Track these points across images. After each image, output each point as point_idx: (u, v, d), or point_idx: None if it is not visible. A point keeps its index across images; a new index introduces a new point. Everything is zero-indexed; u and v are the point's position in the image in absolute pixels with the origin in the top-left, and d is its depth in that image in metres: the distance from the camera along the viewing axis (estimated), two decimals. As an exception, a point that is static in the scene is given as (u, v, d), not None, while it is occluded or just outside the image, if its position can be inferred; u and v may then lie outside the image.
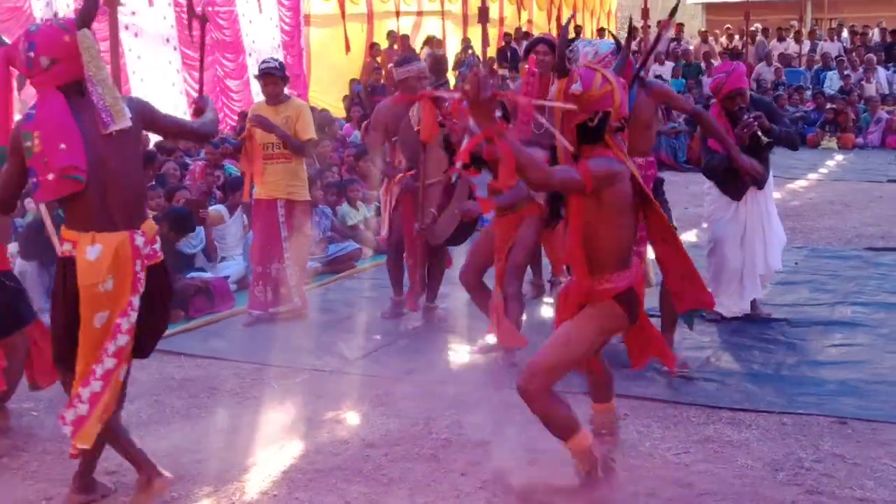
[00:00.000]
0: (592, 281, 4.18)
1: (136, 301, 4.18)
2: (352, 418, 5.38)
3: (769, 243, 6.88)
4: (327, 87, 16.88)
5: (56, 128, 4.00)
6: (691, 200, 11.26)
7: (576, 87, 4.06)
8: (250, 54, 14.99)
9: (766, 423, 5.14)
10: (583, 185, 4.02)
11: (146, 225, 4.25)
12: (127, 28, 12.42)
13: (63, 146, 3.98)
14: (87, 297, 4.08)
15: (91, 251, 4.08)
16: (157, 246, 4.30)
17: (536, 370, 4.16)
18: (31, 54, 4.08)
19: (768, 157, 6.68)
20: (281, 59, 8.10)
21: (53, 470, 4.74)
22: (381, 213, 7.56)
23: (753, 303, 6.98)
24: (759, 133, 6.35)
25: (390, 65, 14.45)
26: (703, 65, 20.48)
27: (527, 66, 6.78)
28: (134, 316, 4.17)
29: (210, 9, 14.03)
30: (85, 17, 4.15)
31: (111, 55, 5.76)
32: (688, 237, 9.45)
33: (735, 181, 6.57)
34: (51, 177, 4.00)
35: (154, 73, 13.51)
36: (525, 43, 12.12)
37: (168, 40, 13.48)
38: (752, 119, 6.37)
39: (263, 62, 7.54)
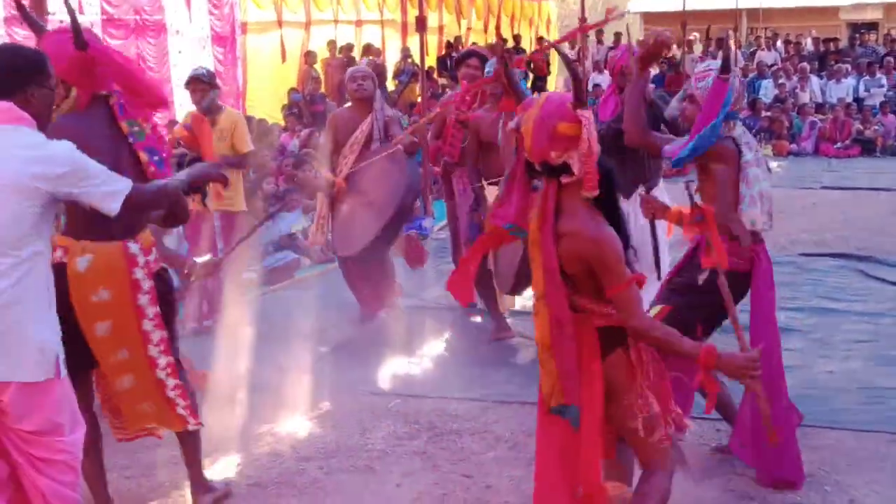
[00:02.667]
0: None
1: (147, 305, 4.04)
2: (288, 430, 5.34)
3: (662, 251, 6.23)
4: (264, 96, 16.72)
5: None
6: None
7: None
8: (175, 65, 14.39)
9: (700, 430, 5.12)
10: None
11: (143, 235, 4.10)
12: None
13: None
14: (82, 308, 3.95)
15: (81, 262, 3.96)
16: (153, 256, 4.14)
17: None
18: None
19: (660, 163, 6.34)
20: (213, 68, 8.09)
21: None
22: (315, 221, 7.47)
23: None
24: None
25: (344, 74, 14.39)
26: (640, 73, 20.64)
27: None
28: (154, 314, 4.07)
29: (138, 17, 13.81)
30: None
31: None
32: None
33: (624, 174, 5.08)
34: None
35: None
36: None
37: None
38: None
39: (192, 70, 7.47)
